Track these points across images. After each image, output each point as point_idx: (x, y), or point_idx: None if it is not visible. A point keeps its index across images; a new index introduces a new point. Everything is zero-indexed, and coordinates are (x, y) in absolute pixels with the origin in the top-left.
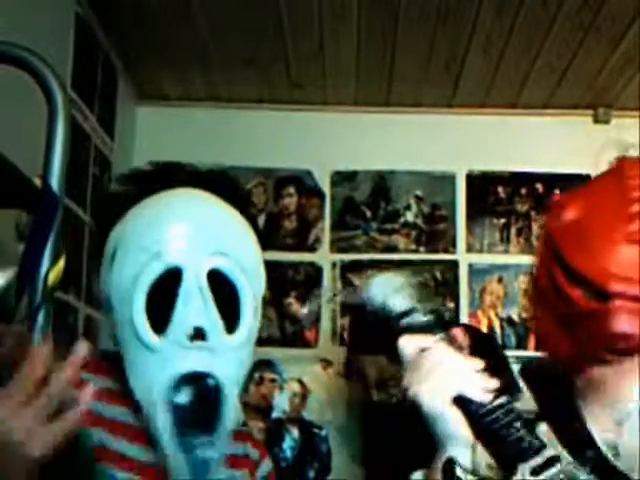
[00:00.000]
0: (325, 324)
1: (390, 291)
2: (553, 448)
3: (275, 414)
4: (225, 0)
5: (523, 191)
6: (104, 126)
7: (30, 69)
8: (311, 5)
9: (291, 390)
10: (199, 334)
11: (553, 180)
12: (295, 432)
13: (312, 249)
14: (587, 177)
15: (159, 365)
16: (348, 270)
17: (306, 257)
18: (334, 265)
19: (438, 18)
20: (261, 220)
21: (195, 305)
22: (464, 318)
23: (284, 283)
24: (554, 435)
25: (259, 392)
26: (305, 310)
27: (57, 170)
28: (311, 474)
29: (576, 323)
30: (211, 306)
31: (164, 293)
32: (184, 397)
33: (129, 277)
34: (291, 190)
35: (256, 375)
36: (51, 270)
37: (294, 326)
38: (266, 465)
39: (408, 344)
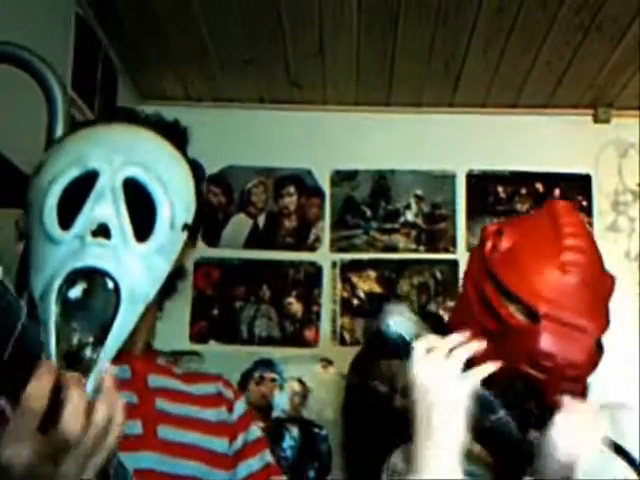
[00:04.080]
0: (325, 324)
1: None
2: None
3: (275, 414)
4: (225, 0)
5: (523, 191)
6: None
7: (30, 69)
8: (311, 5)
9: (291, 389)
10: (103, 231)
11: (553, 179)
12: (295, 432)
13: (312, 248)
14: (587, 176)
15: (60, 258)
16: (348, 269)
17: (306, 256)
18: (334, 264)
19: (438, 18)
20: (261, 220)
21: (104, 204)
22: None
23: (284, 283)
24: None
25: (259, 391)
26: (305, 309)
27: None
28: (311, 474)
29: (502, 338)
30: (121, 209)
31: (81, 199)
32: (77, 292)
33: (48, 179)
34: (291, 189)
35: (256, 374)
36: None
37: (294, 325)
38: (241, 404)
39: (419, 346)
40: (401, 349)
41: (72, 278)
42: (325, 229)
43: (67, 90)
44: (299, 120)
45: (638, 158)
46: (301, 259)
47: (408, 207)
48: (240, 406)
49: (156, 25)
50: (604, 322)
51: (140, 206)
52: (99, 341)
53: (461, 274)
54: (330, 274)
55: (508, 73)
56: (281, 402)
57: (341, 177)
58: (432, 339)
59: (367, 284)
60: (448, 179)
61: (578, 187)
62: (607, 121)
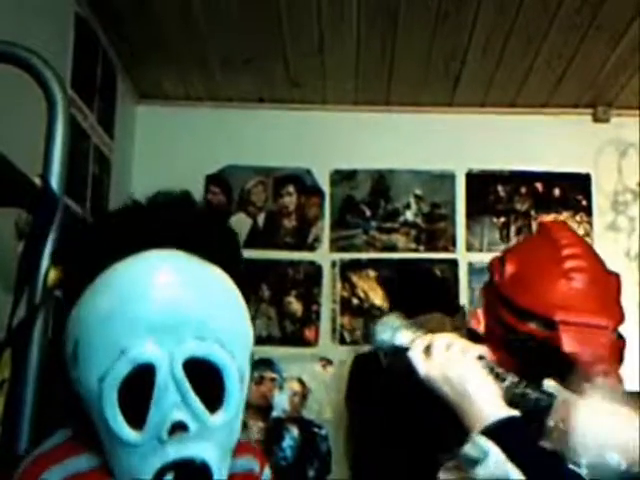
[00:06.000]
0: (325, 323)
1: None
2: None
3: (275, 413)
4: (224, 0)
5: (523, 190)
6: (104, 125)
7: (30, 69)
8: (311, 5)
9: (291, 389)
10: (179, 427)
11: (553, 179)
12: (295, 431)
13: (312, 248)
14: (587, 176)
15: (141, 459)
16: (348, 269)
17: (306, 256)
18: (334, 264)
19: (438, 18)
20: (261, 219)
21: (171, 399)
22: None
23: (284, 282)
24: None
25: (259, 391)
26: (305, 309)
27: (57, 169)
28: (311, 473)
29: (526, 351)
30: (190, 397)
31: (139, 384)
32: None
33: (96, 376)
34: (291, 189)
35: (256, 374)
36: (50, 269)
37: (294, 325)
38: (267, 474)
39: (414, 353)
40: (403, 358)
41: (160, 472)
42: (325, 229)
43: (67, 89)
44: (298, 119)
45: (638, 157)
46: (301, 258)
47: (408, 207)
48: (265, 476)
49: (155, 25)
50: (618, 316)
51: (204, 374)
52: None
53: (461, 273)
54: (330, 273)
55: (508, 73)
56: (281, 402)
57: (341, 177)
58: (423, 339)
59: (367, 284)
60: (447, 178)
61: (578, 186)
62: (607, 120)
